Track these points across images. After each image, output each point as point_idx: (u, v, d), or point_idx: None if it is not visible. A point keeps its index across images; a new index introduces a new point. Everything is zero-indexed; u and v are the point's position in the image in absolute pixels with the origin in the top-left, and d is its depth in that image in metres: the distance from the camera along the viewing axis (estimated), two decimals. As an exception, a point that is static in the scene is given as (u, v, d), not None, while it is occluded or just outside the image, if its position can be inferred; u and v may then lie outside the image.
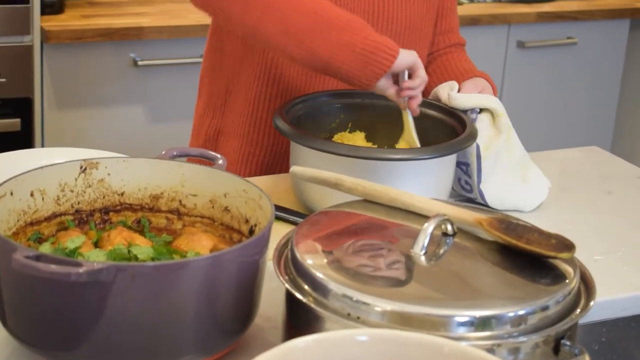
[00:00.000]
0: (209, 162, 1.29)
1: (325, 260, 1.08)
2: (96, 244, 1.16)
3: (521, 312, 1.02)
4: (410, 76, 1.50)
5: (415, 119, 1.58)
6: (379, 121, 1.62)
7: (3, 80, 2.55)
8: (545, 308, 1.03)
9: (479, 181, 1.55)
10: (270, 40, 1.49)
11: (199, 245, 1.17)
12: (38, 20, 2.57)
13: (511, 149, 1.58)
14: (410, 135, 1.54)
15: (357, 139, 1.61)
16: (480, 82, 1.67)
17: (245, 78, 1.70)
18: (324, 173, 1.30)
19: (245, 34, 1.56)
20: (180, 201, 1.25)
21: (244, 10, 1.48)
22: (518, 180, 1.58)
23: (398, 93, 1.50)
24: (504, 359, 0.98)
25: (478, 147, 1.53)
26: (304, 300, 1.04)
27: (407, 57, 1.48)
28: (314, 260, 1.08)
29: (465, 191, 1.59)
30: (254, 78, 1.69)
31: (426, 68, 1.79)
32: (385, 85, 1.49)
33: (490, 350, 0.98)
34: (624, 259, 1.45)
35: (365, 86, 1.48)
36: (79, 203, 1.22)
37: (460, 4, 3.08)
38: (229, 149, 1.75)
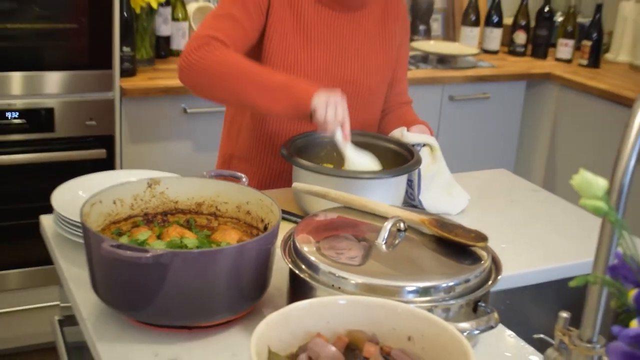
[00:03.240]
0: (236, 180, 1.30)
1: (317, 248, 1.09)
2: (159, 237, 1.16)
3: (451, 284, 1.02)
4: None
5: (379, 150, 1.57)
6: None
7: (94, 122, 2.54)
8: (467, 281, 1.04)
9: (419, 193, 1.54)
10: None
11: (229, 237, 1.17)
12: (118, 81, 2.56)
13: (441, 174, 1.58)
14: (350, 164, 1.47)
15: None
16: (422, 127, 1.67)
17: (250, 117, 1.68)
18: (315, 187, 1.30)
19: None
20: (216, 207, 1.25)
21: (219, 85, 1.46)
22: (445, 195, 1.58)
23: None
24: (439, 316, 0.99)
25: (419, 170, 1.53)
26: (302, 275, 1.04)
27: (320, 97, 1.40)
28: (308, 248, 1.08)
29: (410, 199, 1.58)
30: (257, 119, 1.67)
31: (382, 119, 1.78)
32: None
33: (430, 310, 0.99)
34: (521, 246, 1.46)
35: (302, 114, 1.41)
36: (146, 208, 1.22)
37: (408, 69, 3.08)
38: (240, 169, 1.73)
